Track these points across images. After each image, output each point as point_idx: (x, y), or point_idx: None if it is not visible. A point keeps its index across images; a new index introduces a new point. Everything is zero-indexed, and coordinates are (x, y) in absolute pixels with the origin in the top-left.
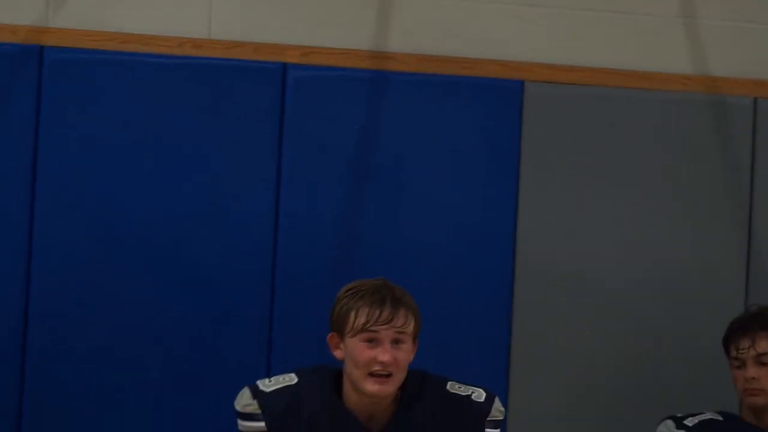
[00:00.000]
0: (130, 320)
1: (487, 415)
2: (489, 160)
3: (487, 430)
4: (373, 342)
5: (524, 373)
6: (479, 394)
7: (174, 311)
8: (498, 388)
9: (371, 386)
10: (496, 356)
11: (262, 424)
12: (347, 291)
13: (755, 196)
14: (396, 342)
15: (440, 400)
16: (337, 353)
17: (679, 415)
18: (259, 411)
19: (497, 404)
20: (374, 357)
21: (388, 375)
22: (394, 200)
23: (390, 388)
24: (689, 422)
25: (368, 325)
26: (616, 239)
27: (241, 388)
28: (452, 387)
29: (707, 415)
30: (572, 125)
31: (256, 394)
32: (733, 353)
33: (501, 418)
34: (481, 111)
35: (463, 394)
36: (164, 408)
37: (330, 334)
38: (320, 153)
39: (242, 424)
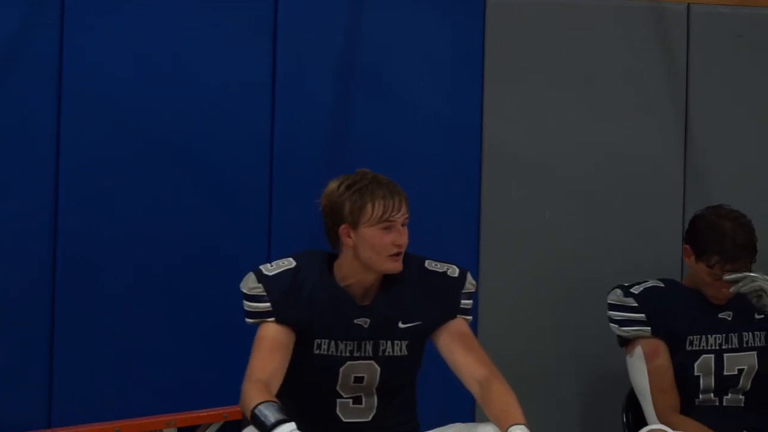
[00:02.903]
0: (150, 205)
1: (462, 287)
2: (456, 61)
3: (462, 301)
4: (388, 228)
5: (492, 250)
6: (453, 270)
7: (184, 202)
8: (469, 264)
9: (391, 265)
10: (467, 236)
11: (267, 304)
12: (350, 187)
13: (690, 93)
14: (403, 225)
15: (420, 276)
16: (348, 241)
17: (626, 284)
18: (264, 293)
19: (469, 278)
20: (392, 241)
21: (400, 254)
22: (378, 95)
23: (401, 264)
24: (635, 290)
25: (387, 215)
26: (572, 132)
27: (245, 272)
28: (430, 264)
29: (651, 283)
30: (532, 30)
31: (261, 277)
32: (714, 268)
33: (473, 290)
34: (450, 20)
35: (440, 270)
36: (176, 287)
37: (342, 227)
38: (311, 55)
39: (248, 304)
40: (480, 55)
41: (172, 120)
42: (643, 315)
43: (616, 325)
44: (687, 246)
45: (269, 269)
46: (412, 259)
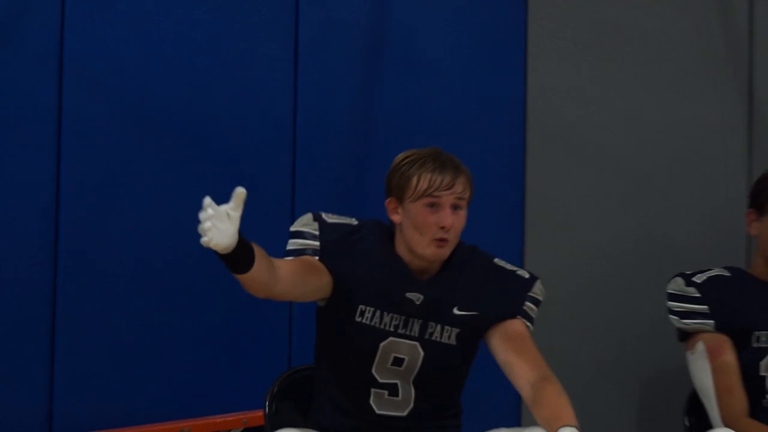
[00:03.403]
0: (154, 191)
1: (529, 290)
2: (497, 30)
3: (526, 303)
4: (434, 207)
5: (539, 235)
6: (523, 273)
7: (196, 186)
8: (515, 250)
9: (433, 251)
10: (511, 222)
11: (316, 242)
12: (406, 158)
13: (755, 60)
14: (455, 207)
15: (487, 268)
16: (395, 217)
17: (688, 272)
18: (316, 232)
19: (539, 285)
20: (436, 221)
21: (445, 239)
22: (407, 72)
23: (446, 251)
24: (698, 279)
25: (431, 190)
26: (622, 105)
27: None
28: (499, 261)
29: (715, 271)
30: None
31: (318, 218)
32: None
33: (540, 298)
34: None
35: (509, 268)
36: (190, 278)
37: (389, 199)
38: (335, 27)
39: (293, 242)
40: (523, 23)
41: (183, 103)
42: (706, 307)
43: (676, 318)
44: (752, 210)
45: (329, 216)
46: (479, 253)
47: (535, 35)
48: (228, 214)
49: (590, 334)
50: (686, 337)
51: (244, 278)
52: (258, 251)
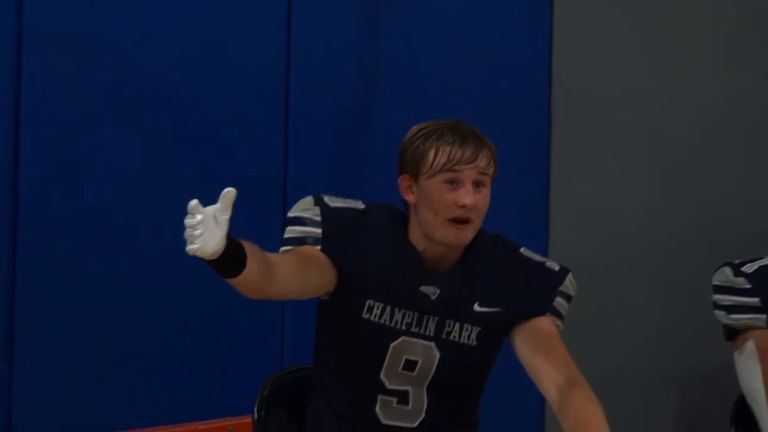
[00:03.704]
0: (126, 173)
1: (560, 283)
2: None
3: (557, 298)
4: (453, 183)
5: (564, 217)
6: (553, 264)
7: (180, 180)
8: (538, 235)
9: (449, 232)
10: (534, 200)
11: (317, 230)
12: (421, 129)
13: None
14: (477, 185)
15: (512, 259)
16: (409, 197)
17: (736, 261)
18: (318, 218)
19: (571, 277)
20: (455, 199)
21: (467, 221)
22: (416, 25)
23: (469, 234)
24: (747, 268)
25: (450, 164)
26: (660, 80)
27: (255, 235)
28: (525, 251)
29: (767, 260)
30: None
31: (320, 202)
32: None
33: (572, 293)
34: None
35: (536, 259)
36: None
37: (402, 176)
38: None
39: (292, 229)
40: None
41: (159, 65)
42: (758, 299)
43: (723, 312)
44: None
45: (332, 199)
46: (506, 241)
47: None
48: (215, 218)
49: (622, 332)
50: (734, 334)
51: (235, 282)
52: (249, 250)
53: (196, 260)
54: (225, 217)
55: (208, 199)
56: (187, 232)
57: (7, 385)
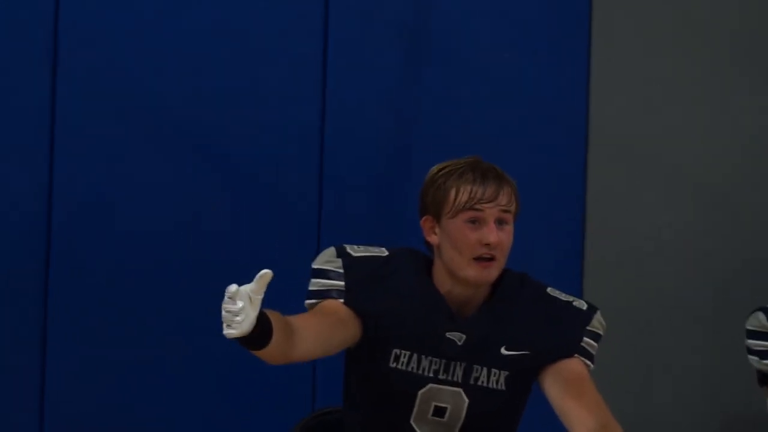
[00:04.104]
0: (156, 201)
1: (587, 323)
2: (557, 27)
3: (585, 338)
4: (476, 223)
5: (600, 260)
6: (581, 303)
7: (211, 199)
8: (572, 277)
9: (474, 271)
10: (569, 234)
11: (341, 282)
12: (442, 169)
13: None
14: (500, 222)
15: (539, 299)
16: (432, 238)
17: None
18: (341, 269)
19: (599, 316)
20: (479, 238)
21: (492, 258)
22: (452, 73)
23: (494, 272)
24: None
25: (472, 203)
26: (694, 113)
27: (289, 275)
28: (553, 291)
29: None
30: None
31: (342, 253)
32: None
33: (601, 332)
34: None
35: (564, 299)
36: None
37: (424, 218)
38: (369, 23)
39: (316, 281)
40: (586, 14)
41: (194, 100)
42: None
43: (757, 358)
44: None
45: (355, 249)
46: (532, 280)
47: (600, 30)
48: (250, 299)
49: (657, 376)
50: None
51: (259, 353)
52: (275, 322)
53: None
54: (259, 297)
55: (242, 232)
56: (226, 316)
57: None
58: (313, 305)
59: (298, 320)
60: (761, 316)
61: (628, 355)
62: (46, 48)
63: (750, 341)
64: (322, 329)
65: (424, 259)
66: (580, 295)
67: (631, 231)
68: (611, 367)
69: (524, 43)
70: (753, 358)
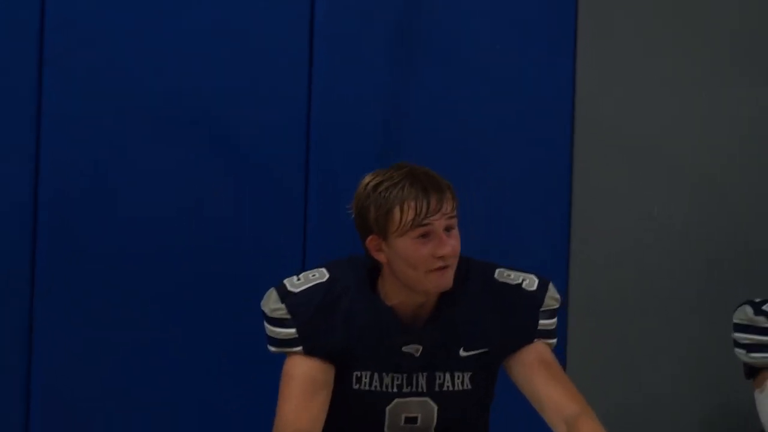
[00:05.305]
0: (156, 196)
1: (541, 304)
2: (544, 18)
3: (541, 321)
4: (426, 236)
5: (586, 252)
6: (531, 281)
7: (198, 190)
8: (558, 267)
9: (433, 282)
10: (554, 234)
11: (292, 330)
12: (378, 186)
13: None
14: (447, 229)
15: (488, 289)
16: (380, 256)
17: (757, 300)
18: (288, 316)
19: (551, 291)
20: (432, 252)
21: (446, 267)
22: (441, 66)
23: (450, 277)
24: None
25: (420, 219)
26: (681, 104)
27: (276, 270)
28: (501, 275)
29: None
30: None
31: (284, 295)
32: None
33: (556, 306)
34: None
35: (513, 282)
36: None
37: (369, 238)
38: (360, 19)
39: (270, 329)
40: (573, 13)
41: (180, 91)
42: None
43: (743, 351)
44: None
45: (295, 284)
46: (477, 267)
47: (585, 22)
48: None
49: (643, 368)
50: (755, 373)
51: None
52: None
53: (215, 287)
54: None
55: (233, 209)
56: None
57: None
58: (277, 353)
59: (301, 423)
60: (748, 309)
61: (618, 348)
62: (32, 37)
63: (737, 334)
64: (318, 412)
65: (364, 267)
66: (565, 286)
67: (620, 225)
68: (602, 360)
69: (515, 39)
70: (740, 351)
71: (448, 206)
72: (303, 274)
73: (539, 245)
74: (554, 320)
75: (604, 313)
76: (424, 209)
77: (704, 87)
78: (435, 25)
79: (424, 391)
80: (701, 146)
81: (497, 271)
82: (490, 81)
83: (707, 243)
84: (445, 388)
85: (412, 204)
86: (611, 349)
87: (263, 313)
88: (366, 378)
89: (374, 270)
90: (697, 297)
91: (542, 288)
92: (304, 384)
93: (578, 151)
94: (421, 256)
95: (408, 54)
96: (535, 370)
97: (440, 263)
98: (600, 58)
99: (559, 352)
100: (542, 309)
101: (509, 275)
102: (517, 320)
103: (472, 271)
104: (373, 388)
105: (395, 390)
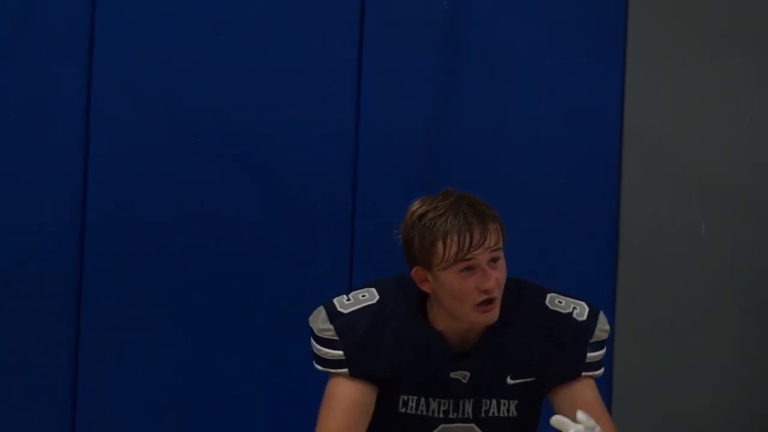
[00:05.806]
0: (197, 209)
1: (590, 336)
2: (593, 31)
3: (589, 354)
4: (470, 270)
5: (634, 272)
6: (581, 310)
7: (241, 206)
8: (605, 291)
9: (479, 317)
10: (601, 254)
11: (339, 352)
12: (422, 218)
13: None
14: (493, 261)
15: (538, 316)
16: (426, 287)
17: None
18: (336, 337)
19: (601, 323)
20: (476, 285)
21: (491, 300)
22: (487, 79)
23: (496, 312)
24: None
25: (463, 254)
26: (730, 121)
27: (323, 281)
28: (552, 302)
29: None
30: None
31: (333, 316)
32: None
33: (605, 337)
34: None
35: (563, 311)
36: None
37: (414, 269)
38: (405, 27)
39: (317, 347)
40: (622, 19)
41: (228, 111)
42: None
43: None
44: None
45: (344, 304)
46: (529, 291)
47: (636, 34)
48: None
49: (693, 394)
50: None
51: None
52: None
53: (255, 302)
54: None
55: (272, 229)
56: None
57: None
58: (323, 372)
59: None
60: None
61: (667, 369)
62: (81, 49)
63: None
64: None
65: (413, 290)
66: (612, 301)
67: (665, 234)
68: (650, 382)
69: (559, 46)
70: None
71: (492, 239)
72: (353, 293)
73: (585, 263)
74: (602, 351)
75: (649, 320)
76: (467, 243)
77: (755, 103)
78: (482, 41)
79: (470, 417)
80: (752, 164)
81: (548, 296)
82: (538, 96)
83: (755, 262)
84: (491, 414)
85: (455, 238)
86: (659, 371)
87: (310, 329)
88: (413, 402)
89: (422, 292)
90: (748, 316)
91: (592, 318)
92: (347, 406)
93: (626, 167)
94: (465, 289)
95: (455, 70)
96: (578, 407)
97: (485, 296)
98: (649, 67)
99: (606, 373)
100: (591, 341)
101: (560, 302)
102: (566, 352)
103: (524, 294)
104: (419, 413)
105: (441, 415)
